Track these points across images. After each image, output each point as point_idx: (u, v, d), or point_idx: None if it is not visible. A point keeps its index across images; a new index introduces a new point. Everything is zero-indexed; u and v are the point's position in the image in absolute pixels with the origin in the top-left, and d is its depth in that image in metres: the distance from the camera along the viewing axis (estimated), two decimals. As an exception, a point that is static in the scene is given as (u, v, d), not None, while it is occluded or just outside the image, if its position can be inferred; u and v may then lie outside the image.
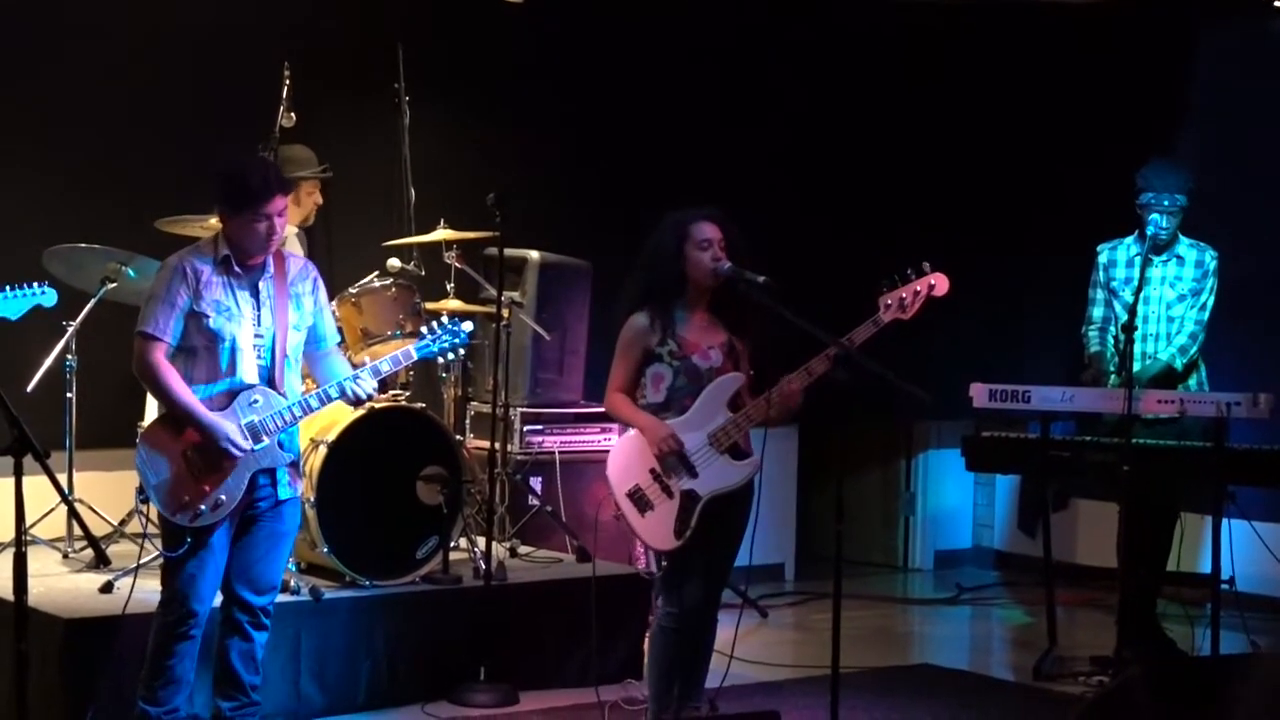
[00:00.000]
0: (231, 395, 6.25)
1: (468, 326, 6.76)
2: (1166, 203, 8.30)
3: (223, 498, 6.20)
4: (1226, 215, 9.18)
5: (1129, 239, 8.52)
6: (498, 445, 8.07)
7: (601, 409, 8.13)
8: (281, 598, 6.85)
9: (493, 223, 7.83)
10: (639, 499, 6.41)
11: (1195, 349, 8.41)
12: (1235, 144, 10.01)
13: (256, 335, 6.29)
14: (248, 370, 6.27)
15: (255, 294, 6.31)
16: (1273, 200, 9.81)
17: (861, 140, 10.56)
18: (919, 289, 6.43)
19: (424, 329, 6.70)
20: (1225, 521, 8.00)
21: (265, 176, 6.32)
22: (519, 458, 8.80)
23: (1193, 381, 8.44)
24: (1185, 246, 8.47)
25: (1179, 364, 8.38)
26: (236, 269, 6.28)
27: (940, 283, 6.45)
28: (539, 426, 8.92)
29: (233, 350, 6.25)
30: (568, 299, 9.09)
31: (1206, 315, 8.43)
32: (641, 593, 7.83)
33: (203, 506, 6.19)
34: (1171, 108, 10.30)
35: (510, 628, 7.67)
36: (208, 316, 6.21)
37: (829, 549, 6.38)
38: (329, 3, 9.12)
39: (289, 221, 7.07)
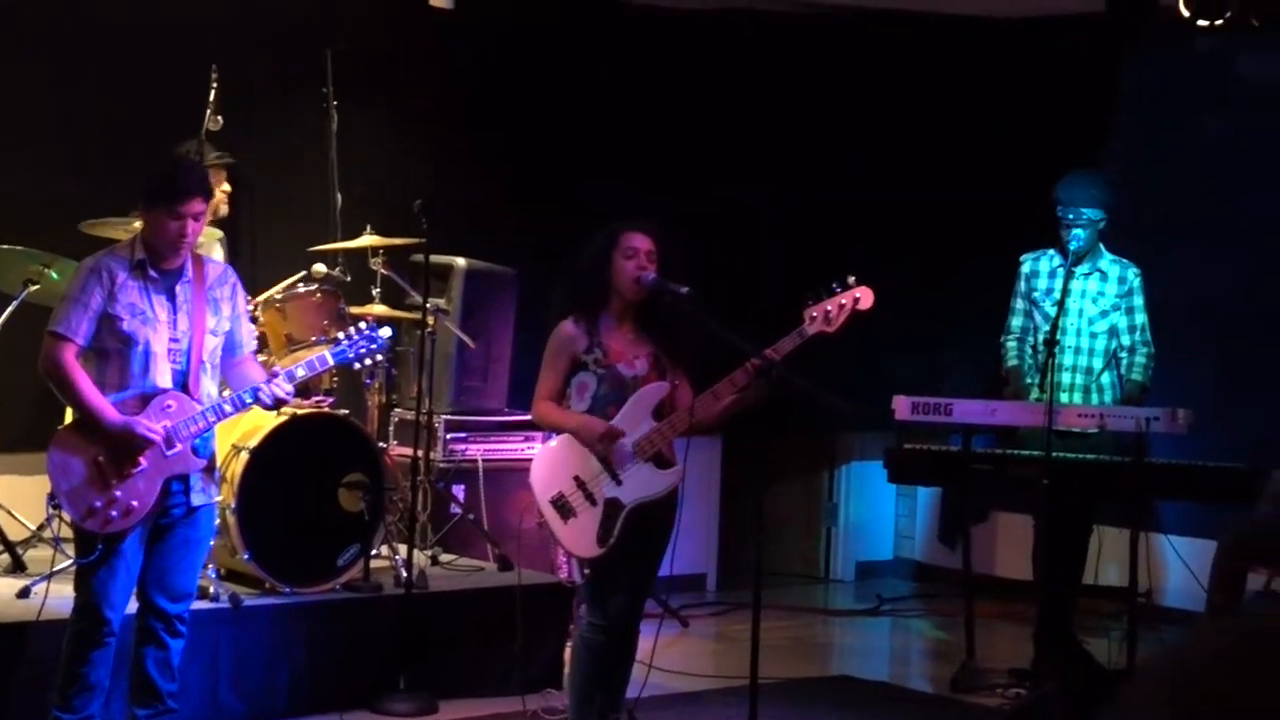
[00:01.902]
0: (144, 400, 6.14)
1: (385, 332, 6.69)
2: (1072, 215, 8.28)
3: (134, 504, 6.10)
4: (1146, 232, 9.22)
5: (1053, 250, 8.52)
6: (421, 453, 8.01)
7: (526, 417, 8.08)
8: (200, 604, 6.76)
9: (419, 229, 7.79)
10: (562, 506, 6.37)
11: (1152, 363, 8.45)
12: (1158, 163, 10.07)
13: (172, 340, 6.18)
14: (161, 375, 6.16)
15: (172, 298, 6.20)
16: (1191, 218, 9.87)
17: (786, 152, 10.56)
18: (844, 302, 6.39)
19: (341, 335, 6.62)
20: (1143, 535, 8.03)
21: (189, 176, 6.26)
22: (442, 465, 8.72)
23: (1107, 397, 8.46)
24: (1108, 262, 8.48)
25: (1147, 380, 8.42)
26: (153, 273, 6.18)
27: (865, 296, 6.42)
28: (463, 434, 8.85)
29: (146, 355, 6.14)
30: (493, 307, 9.04)
31: (1148, 332, 8.46)
32: (563, 602, 7.80)
33: (113, 513, 6.08)
34: (1098, 125, 10.36)
35: (431, 636, 7.61)
36: (121, 319, 6.11)
37: (750, 559, 6.36)
38: (258, 6, 9.02)
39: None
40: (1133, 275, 8.47)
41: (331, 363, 6.55)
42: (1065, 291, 8.19)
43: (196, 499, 6.26)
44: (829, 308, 6.38)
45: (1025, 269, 8.60)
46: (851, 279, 6.43)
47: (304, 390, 7.86)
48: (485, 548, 8.50)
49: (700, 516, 10.26)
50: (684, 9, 10.15)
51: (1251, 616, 1.63)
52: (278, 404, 6.39)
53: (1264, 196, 9.66)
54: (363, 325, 6.62)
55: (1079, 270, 8.40)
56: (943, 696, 8.32)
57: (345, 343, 6.57)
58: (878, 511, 11.54)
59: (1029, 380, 8.43)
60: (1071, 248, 8.27)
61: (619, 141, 9.94)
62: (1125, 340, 8.46)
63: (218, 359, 6.33)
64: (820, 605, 10.82)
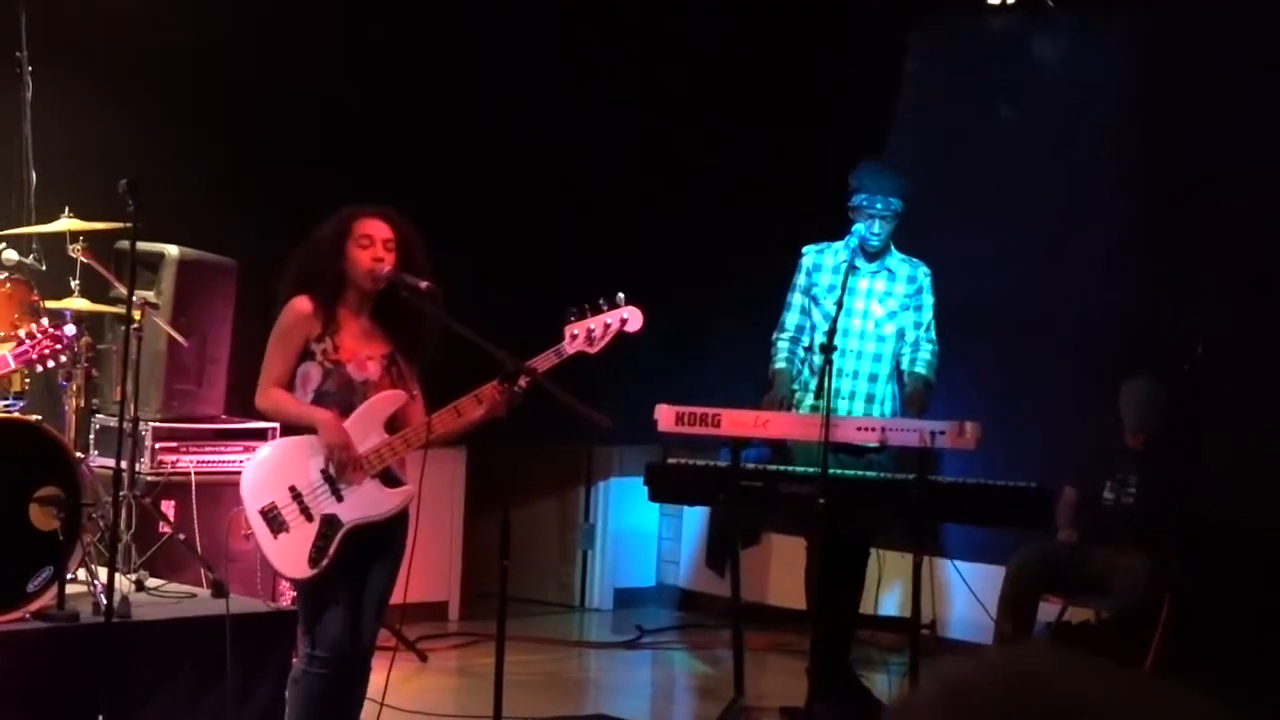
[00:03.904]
0: None
1: (70, 329, 6.61)
2: (880, 205, 8.43)
3: None
4: (929, 227, 9.36)
5: (839, 244, 8.63)
6: (125, 464, 7.91)
7: (246, 424, 7.99)
8: None
9: (125, 212, 7.64)
10: (273, 518, 6.34)
11: (937, 360, 8.61)
12: (943, 151, 10.28)
13: None
14: None
15: None
16: (977, 211, 10.10)
17: (542, 134, 10.56)
18: (609, 321, 6.48)
19: (23, 332, 6.52)
20: (926, 560, 8.14)
21: None
22: (149, 478, 8.61)
23: (888, 409, 8.60)
24: (897, 260, 8.62)
25: (932, 376, 8.58)
26: None
27: (633, 317, 6.51)
28: (173, 443, 8.74)
29: None
30: (209, 301, 8.93)
31: (934, 330, 8.63)
32: (285, 632, 7.73)
33: None
34: (884, 110, 10.55)
35: (134, 671, 7.46)
36: None
37: (495, 586, 6.40)
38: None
39: None
40: (923, 275, 8.64)
41: (13, 364, 6.46)
42: (844, 288, 8.26)
43: None
44: (592, 326, 6.46)
45: (807, 262, 8.70)
46: (620, 296, 6.50)
47: (-10, 394, 7.74)
48: (198, 571, 8.39)
49: (441, 537, 10.26)
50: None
51: (1026, 649, 1.73)
52: None
53: (1055, 187, 9.89)
54: (45, 322, 6.53)
55: (866, 267, 8.53)
56: (707, 738, 8.41)
57: (27, 342, 6.48)
58: (639, 533, 11.62)
59: (797, 388, 8.56)
60: (873, 242, 8.44)
61: (356, 122, 9.87)
62: (909, 337, 8.61)
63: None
64: (575, 637, 10.89)
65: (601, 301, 6.50)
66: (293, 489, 6.36)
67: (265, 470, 6.46)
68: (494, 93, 10.37)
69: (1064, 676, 1.56)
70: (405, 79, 10.13)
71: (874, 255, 8.55)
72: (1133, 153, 9.74)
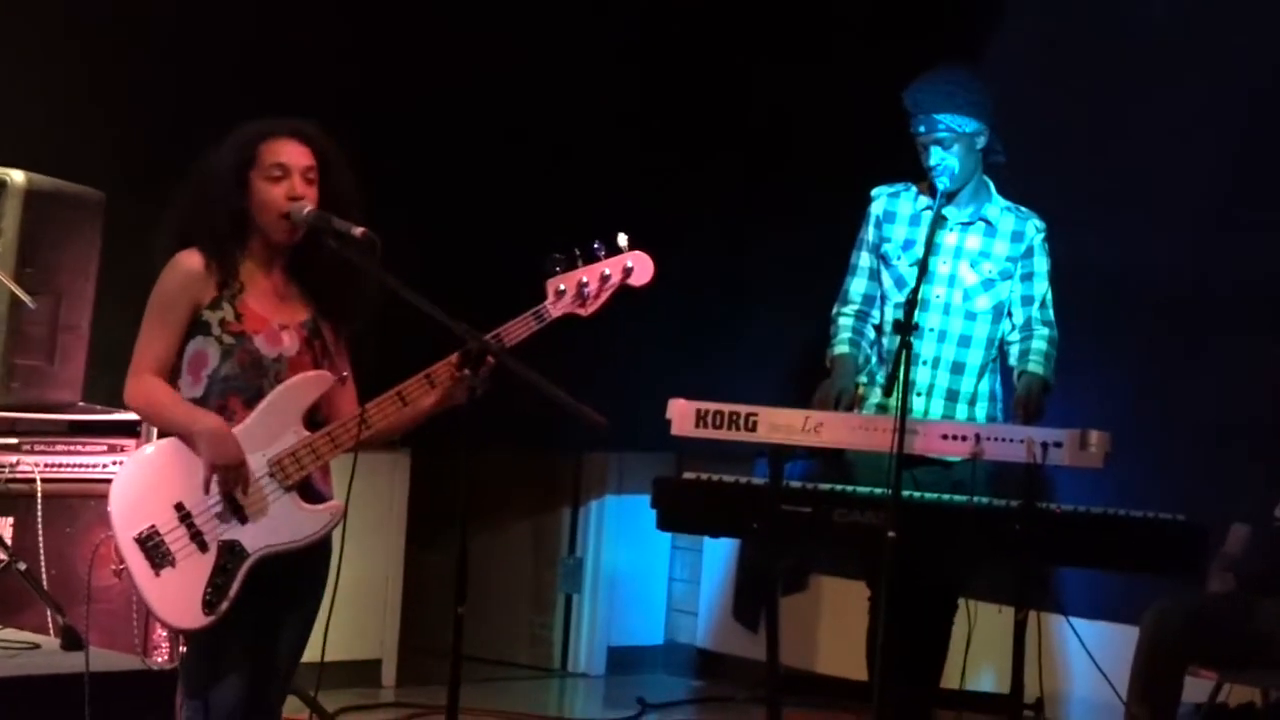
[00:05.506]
0: None
1: None
2: (924, 128, 8.37)
3: None
4: (1035, 175, 9.23)
5: (918, 188, 8.59)
6: (-53, 468, 7.82)
7: (113, 416, 7.89)
8: None
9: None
10: (153, 548, 6.16)
11: (1056, 351, 8.56)
12: (1058, 68, 10.20)
13: None
14: None
15: None
16: (1109, 156, 10.00)
17: (527, 60, 10.54)
18: (608, 271, 6.37)
19: None
20: (1032, 616, 8.07)
21: None
22: (-20, 488, 8.54)
23: (981, 412, 8.57)
24: (1000, 209, 8.55)
25: (1051, 373, 8.50)
26: None
27: (640, 265, 6.41)
28: (12, 440, 8.60)
29: None
30: (66, 247, 8.80)
31: (1051, 310, 8.57)
32: (161, 698, 7.58)
33: None
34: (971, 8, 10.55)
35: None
36: None
37: (446, 641, 6.23)
38: None
39: None
40: (1033, 230, 8.56)
41: None
42: (929, 246, 8.19)
43: None
44: (584, 277, 6.35)
45: (876, 209, 8.65)
46: (622, 238, 6.40)
47: None
48: (44, 614, 8.28)
49: (374, 573, 10.38)
50: None
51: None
52: None
53: (1219, 121, 9.73)
54: None
55: (955, 217, 8.48)
56: None
57: None
58: (642, 573, 11.69)
59: (863, 380, 8.55)
60: (938, 179, 8.35)
61: (271, 19, 9.75)
62: (1018, 318, 8.56)
63: None
64: (553, 711, 10.99)
65: (596, 246, 6.39)
66: (180, 507, 6.20)
67: (142, 481, 6.30)
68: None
69: None
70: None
71: (958, 196, 8.47)
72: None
